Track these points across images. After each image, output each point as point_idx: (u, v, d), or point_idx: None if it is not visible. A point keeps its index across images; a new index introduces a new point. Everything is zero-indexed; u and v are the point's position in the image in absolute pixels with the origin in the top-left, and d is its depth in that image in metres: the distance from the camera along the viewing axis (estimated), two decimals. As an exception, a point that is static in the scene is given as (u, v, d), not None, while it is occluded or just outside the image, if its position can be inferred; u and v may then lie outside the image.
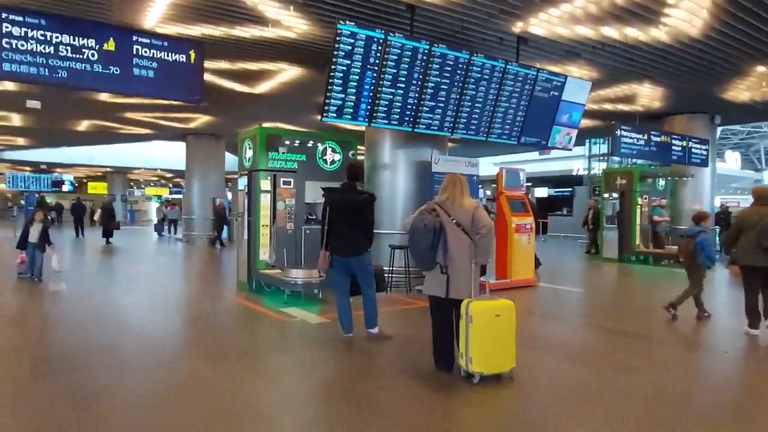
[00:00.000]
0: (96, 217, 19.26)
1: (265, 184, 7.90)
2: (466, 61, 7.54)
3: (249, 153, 8.27)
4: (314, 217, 8.60)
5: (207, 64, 10.05)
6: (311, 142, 8.21)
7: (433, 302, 4.23)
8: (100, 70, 5.22)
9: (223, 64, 9.98)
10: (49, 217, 21.34)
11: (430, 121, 7.60)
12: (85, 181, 46.61)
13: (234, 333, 5.84)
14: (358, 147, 9.06)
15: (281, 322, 6.21)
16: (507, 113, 8.35)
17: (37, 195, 26.34)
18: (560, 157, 28.81)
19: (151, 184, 49.28)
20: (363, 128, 9.35)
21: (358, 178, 5.34)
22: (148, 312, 6.89)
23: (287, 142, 7.92)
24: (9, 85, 12.22)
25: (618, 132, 11.14)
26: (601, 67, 9.42)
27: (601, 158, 22.90)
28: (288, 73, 10.47)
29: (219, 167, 20.15)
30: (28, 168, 37.44)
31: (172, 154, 32.54)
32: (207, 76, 11.16)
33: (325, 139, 8.47)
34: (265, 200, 7.95)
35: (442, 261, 4.00)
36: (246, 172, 8.36)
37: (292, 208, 8.18)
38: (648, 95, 11.67)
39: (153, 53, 5.61)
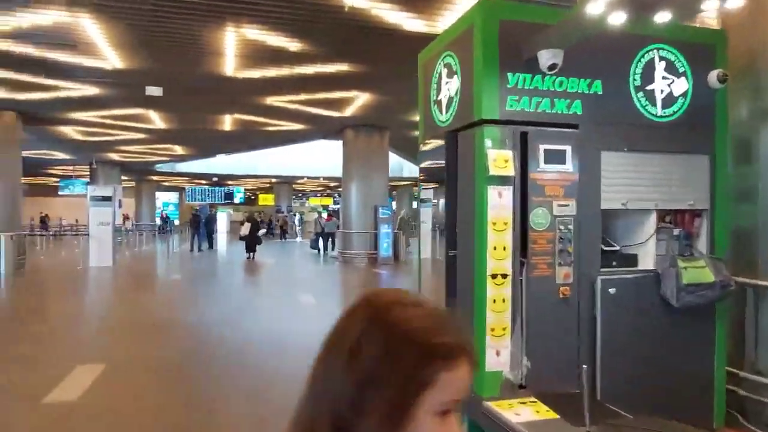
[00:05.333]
0: (243, 231, 16.88)
1: (500, 160, 2.81)
2: None
3: (448, 88, 3.26)
4: (616, 248, 3.28)
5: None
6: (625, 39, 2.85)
7: None
8: None
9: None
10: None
11: None
12: (257, 193, 47.26)
13: None
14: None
15: None
16: None
17: (196, 208, 24.85)
18: None
19: (318, 194, 48.29)
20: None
21: None
22: None
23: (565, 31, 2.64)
24: (117, 63, 9.09)
25: None
26: None
27: None
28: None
29: (382, 168, 15.91)
30: (203, 181, 38.08)
31: (335, 161, 29.91)
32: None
33: (654, 39, 3.15)
34: (498, 205, 2.85)
35: None
36: (432, 146, 3.40)
37: (569, 226, 2.96)
38: None
39: None
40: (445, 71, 3.31)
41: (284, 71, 9.72)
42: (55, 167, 27.85)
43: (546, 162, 2.92)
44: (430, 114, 3.55)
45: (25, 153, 14.71)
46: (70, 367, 4.81)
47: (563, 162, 2.96)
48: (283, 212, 34.28)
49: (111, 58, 8.96)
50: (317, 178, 32.62)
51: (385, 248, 15.04)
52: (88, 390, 4.25)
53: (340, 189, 42.87)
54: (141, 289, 10.96)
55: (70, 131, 16.28)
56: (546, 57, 2.73)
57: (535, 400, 2.80)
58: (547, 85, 2.94)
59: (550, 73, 2.82)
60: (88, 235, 14.90)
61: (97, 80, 10.36)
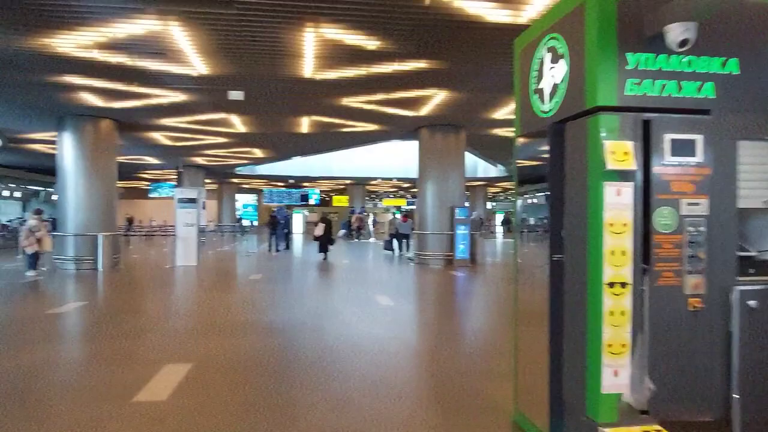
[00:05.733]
0: (317, 232, 17.33)
1: (619, 153, 2.47)
2: None
3: (553, 74, 2.94)
4: (752, 254, 2.82)
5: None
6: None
7: None
8: None
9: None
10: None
11: None
12: (331, 194, 48.14)
13: None
14: None
15: None
16: None
17: (275, 209, 25.46)
18: None
19: (390, 195, 48.46)
20: None
21: None
22: None
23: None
24: (203, 69, 9.41)
25: None
26: None
27: None
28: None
29: (458, 168, 15.54)
30: (280, 183, 39.22)
31: (408, 162, 29.86)
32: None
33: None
34: (616, 204, 2.51)
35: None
36: (527, 139, 3.11)
37: (700, 228, 2.56)
38: None
39: None
40: (548, 56, 2.99)
41: (361, 71, 9.65)
42: (146, 171, 29.63)
43: (673, 154, 2.55)
44: (529, 105, 3.24)
45: (119, 159, 15.65)
46: (159, 366, 4.91)
47: (693, 154, 2.57)
48: (360, 213, 34.75)
49: (197, 65, 9.27)
50: (390, 179, 32.69)
51: (462, 250, 14.67)
52: (176, 390, 4.29)
53: (413, 190, 42.87)
54: (224, 289, 11.28)
55: (159, 137, 17.19)
56: (676, 32, 2.36)
57: (661, 428, 2.44)
58: (673, 66, 2.56)
59: (680, 50, 2.44)
60: (175, 235, 15.64)
61: (185, 87, 10.78)
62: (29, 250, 12.37)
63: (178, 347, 5.84)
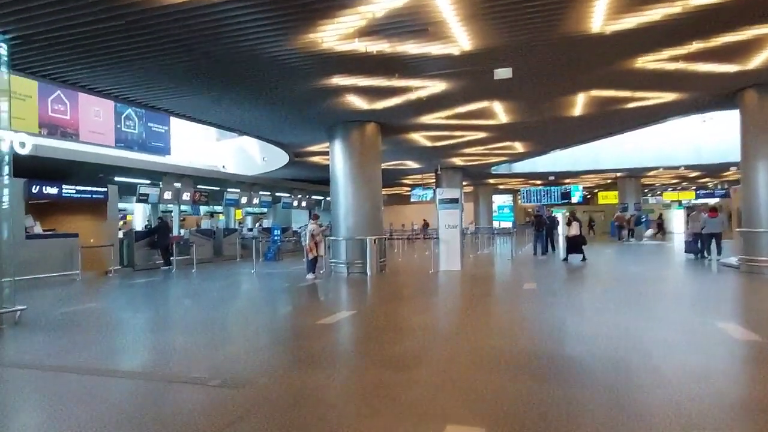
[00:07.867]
0: (573, 231, 16.00)
1: None
2: None
3: None
4: None
5: None
6: None
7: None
8: None
9: None
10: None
11: None
12: (595, 191, 43.39)
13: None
14: None
15: None
16: None
17: (536, 209, 23.28)
18: None
19: (669, 188, 41.15)
20: None
21: None
22: None
23: None
24: (465, 44, 8.12)
25: None
26: None
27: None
28: None
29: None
30: (538, 181, 36.63)
31: (699, 144, 24.33)
32: None
33: None
34: None
35: None
36: None
37: None
38: None
39: None
40: None
41: (674, 7, 6.98)
42: (407, 177, 30.56)
43: None
44: None
45: (382, 165, 15.55)
46: (438, 426, 3.45)
47: None
48: (634, 212, 30.25)
49: (460, 39, 7.93)
50: (677, 167, 27.13)
51: (825, 254, 10.27)
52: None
53: (702, 180, 35.36)
54: (497, 302, 9.75)
55: (419, 138, 16.78)
56: None
57: None
58: None
59: None
60: (436, 238, 14.88)
61: (445, 72, 9.64)
62: (310, 255, 12.90)
63: (457, 392, 4.35)
